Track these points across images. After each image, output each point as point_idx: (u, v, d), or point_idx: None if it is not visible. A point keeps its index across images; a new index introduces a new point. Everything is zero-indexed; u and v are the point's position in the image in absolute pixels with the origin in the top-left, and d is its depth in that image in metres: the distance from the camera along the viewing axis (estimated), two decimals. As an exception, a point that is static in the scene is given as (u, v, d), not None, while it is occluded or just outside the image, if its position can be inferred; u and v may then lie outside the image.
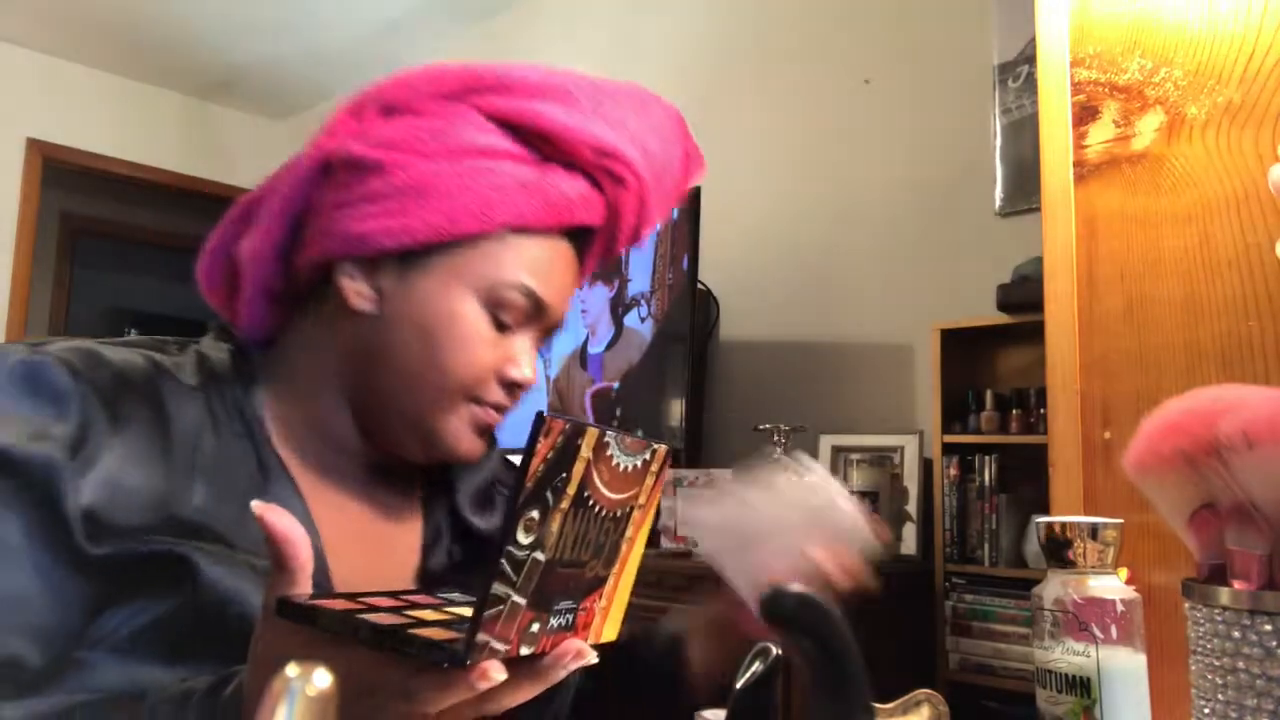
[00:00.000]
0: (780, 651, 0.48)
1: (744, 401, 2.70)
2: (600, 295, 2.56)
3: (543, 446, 0.37)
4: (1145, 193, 0.97)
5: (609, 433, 0.41)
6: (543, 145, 0.68)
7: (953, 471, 2.15)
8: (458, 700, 0.40)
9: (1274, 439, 0.49)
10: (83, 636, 0.57)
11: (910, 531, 2.30)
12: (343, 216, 0.66)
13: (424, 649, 0.39)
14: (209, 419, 0.65)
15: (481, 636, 0.38)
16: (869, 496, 2.24)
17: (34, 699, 0.52)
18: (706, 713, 0.57)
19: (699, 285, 2.52)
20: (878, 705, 0.55)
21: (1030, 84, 2.27)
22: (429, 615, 0.44)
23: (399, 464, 0.73)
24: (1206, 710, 0.53)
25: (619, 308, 2.54)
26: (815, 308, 2.64)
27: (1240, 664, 0.51)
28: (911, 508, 2.31)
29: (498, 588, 0.38)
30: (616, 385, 2.50)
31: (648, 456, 0.44)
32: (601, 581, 0.44)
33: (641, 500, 0.45)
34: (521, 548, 0.38)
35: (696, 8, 3.13)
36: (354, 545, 0.69)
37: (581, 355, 2.60)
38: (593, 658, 0.43)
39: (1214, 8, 0.94)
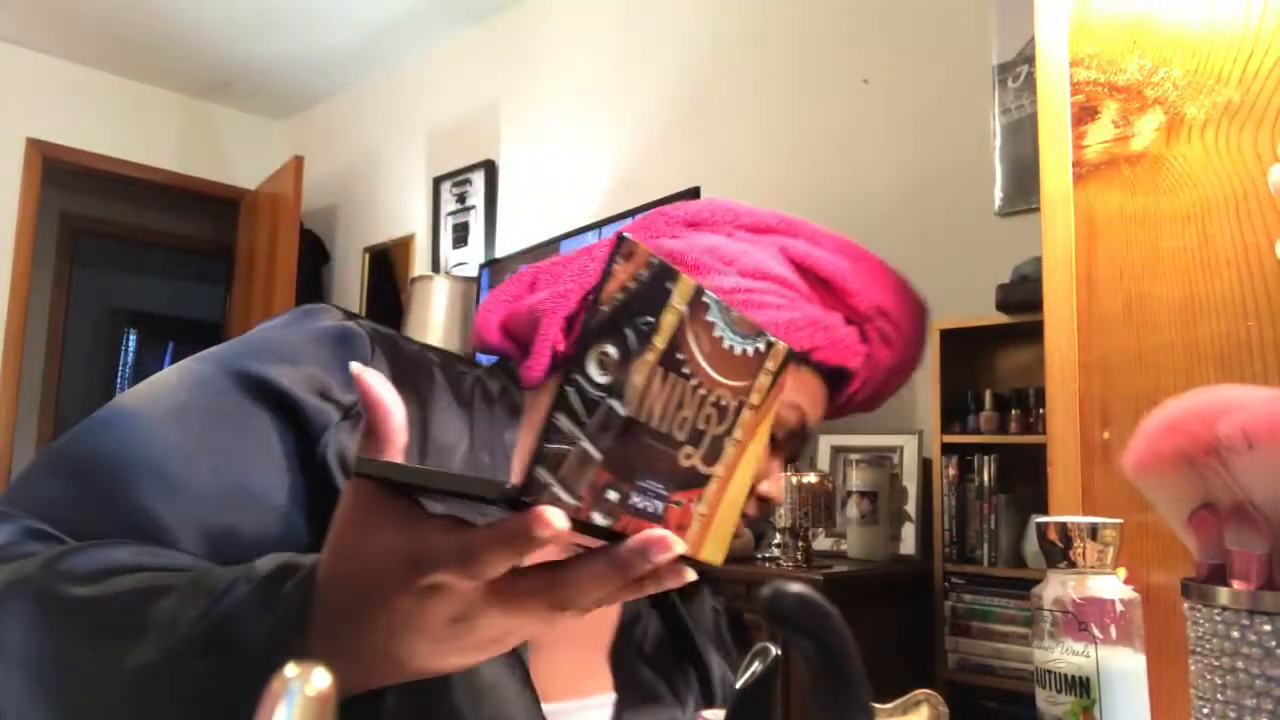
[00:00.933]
0: (780, 652, 0.48)
1: (743, 401, 2.70)
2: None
3: (620, 270, 0.34)
4: (1144, 193, 0.97)
5: (710, 293, 0.37)
6: (827, 293, 0.76)
7: (952, 471, 2.15)
8: (519, 556, 0.36)
9: (1273, 439, 0.49)
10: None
11: (909, 531, 2.30)
12: None
13: (472, 484, 0.35)
14: (468, 437, 0.66)
15: (542, 474, 0.33)
16: (868, 496, 2.24)
17: (101, 549, 0.49)
18: (706, 713, 0.57)
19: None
20: (877, 705, 0.55)
21: (1029, 84, 2.27)
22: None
23: None
24: (1206, 710, 0.53)
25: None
26: (815, 308, 2.64)
27: (1240, 664, 0.51)
28: (911, 508, 2.31)
29: (561, 420, 0.34)
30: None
31: (761, 346, 0.40)
32: (701, 480, 0.39)
33: (754, 400, 0.40)
34: (594, 385, 0.34)
35: (696, 8, 3.13)
36: None
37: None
38: (689, 573, 0.38)
39: (1213, 8, 0.94)
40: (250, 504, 0.56)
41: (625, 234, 0.34)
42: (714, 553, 0.41)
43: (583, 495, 0.35)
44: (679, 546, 0.36)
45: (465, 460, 0.65)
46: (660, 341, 0.36)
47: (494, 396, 0.70)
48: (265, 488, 0.57)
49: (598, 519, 0.35)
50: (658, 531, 0.36)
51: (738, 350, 0.39)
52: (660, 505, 0.38)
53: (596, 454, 0.35)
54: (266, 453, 0.58)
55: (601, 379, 0.34)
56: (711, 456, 0.39)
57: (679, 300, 0.36)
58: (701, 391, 0.38)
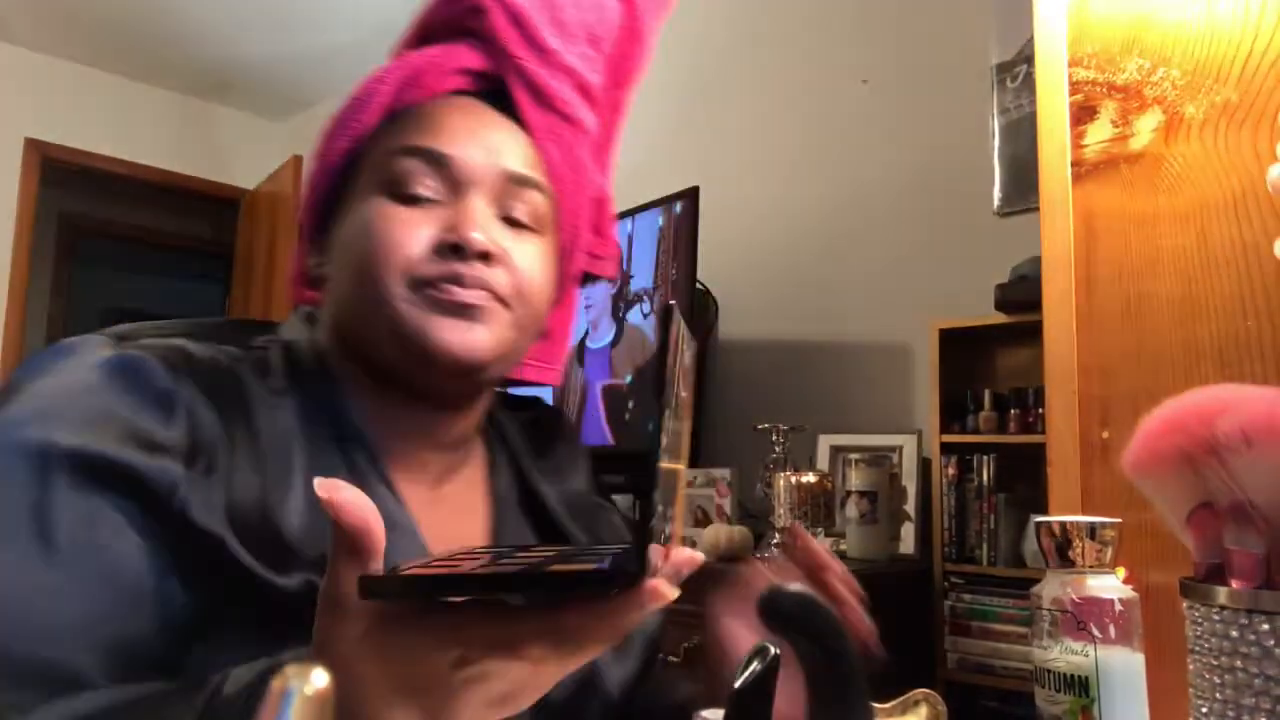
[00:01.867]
0: (779, 651, 0.48)
1: (743, 401, 2.70)
2: (603, 292, 2.56)
3: (673, 338, 0.35)
4: (1143, 192, 0.97)
5: (678, 313, 0.38)
6: (414, 51, 0.71)
7: (951, 471, 2.15)
8: (625, 631, 0.35)
9: (1272, 438, 0.49)
10: (175, 666, 0.52)
11: (909, 531, 2.30)
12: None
13: (591, 581, 0.34)
14: (301, 423, 0.62)
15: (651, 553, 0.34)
16: (867, 496, 2.24)
17: (65, 700, 0.46)
18: (705, 713, 0.57)
19: (698, 285, 2.53)
20: (876, 705, 0.55)
21: (1029, 84, 2.27)
22: (536, 556, 0.38)
23: (469, 447, 0.72)
24: (1204, 709, 0.53)
25: (620, 305, 2.54)
26: (814, 307, 2.64)
27: (1238, 663, 0.51)
28: (910, 507, 2.31)
29: (656, 497, 0.34)
30: (629, 380, 2.48)
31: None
32: (677, 478, 0.41)
33: (683, 385, 0.42)
34: (662, 450, 0.35)
35: (696, 8, 3.13)
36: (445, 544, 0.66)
37: (579, 352, 2.59)
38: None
39: (1212, 7, 0.94)
40: (130, 604, 0.51)
41: (671, 303, 0.35)
42: (680, 527, 0.43)
43: (662, 552, 0.36)
44: (699, 555, 0.38)
45: (308, 454, 0.60)
46: (678, 382, 0.37)
47: (306, 362, 0.65)
48: (134, 581, 0.51)
49: (659, 565, 0.36)
50: (685, 552, 0.38)
51: (688, 357, 0.41)
52: (668, 524, 0.39)
53: (664, 510, 0.36)
54: (118, 539, 0.51)
55: (665, 442, 0.35)
56: (678, 452, 0.41)
57: (677, 337, 0.38)
58: (679, 408, 0.39)
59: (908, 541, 2.29)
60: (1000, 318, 2.09)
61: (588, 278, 0.79)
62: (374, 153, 0.67)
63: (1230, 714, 0.51)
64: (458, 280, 0.62)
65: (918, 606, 2.16)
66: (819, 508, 2.12)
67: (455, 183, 0.65)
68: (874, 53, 2.64)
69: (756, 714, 0.47)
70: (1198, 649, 0.54)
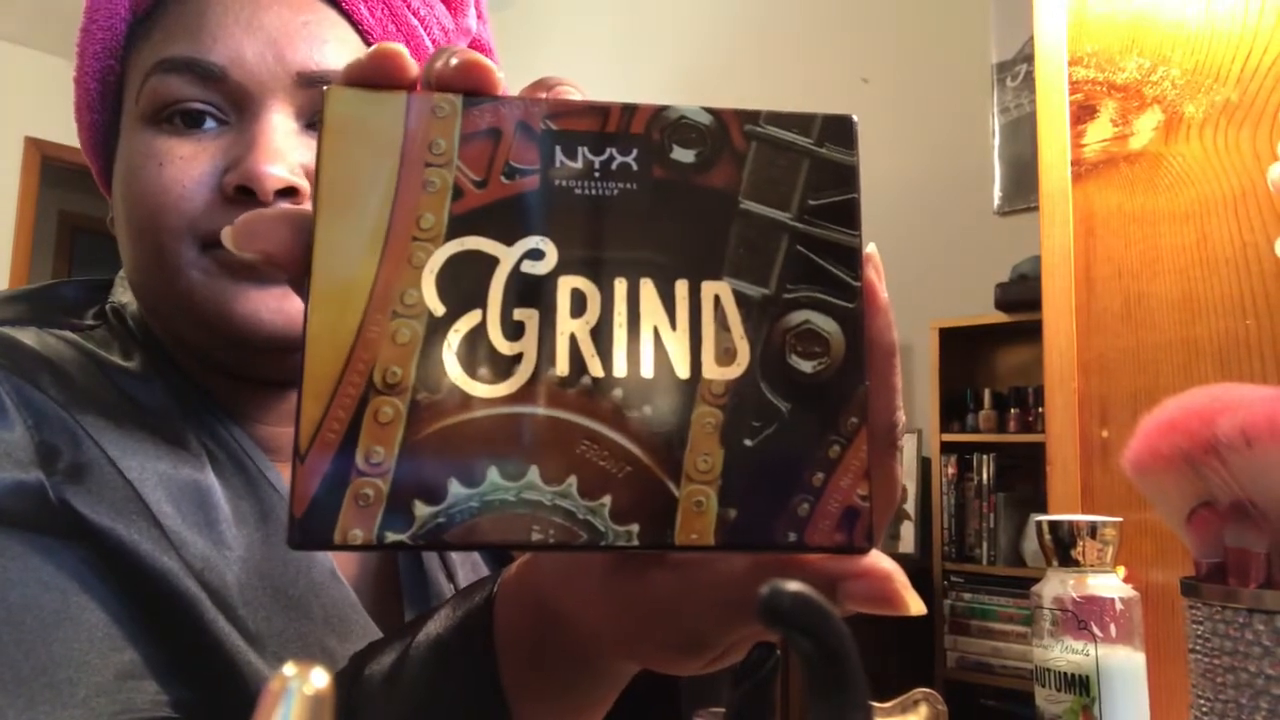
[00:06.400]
0: (780, 651, 0.48)
1: (742, 400, 2.71)
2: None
3: None
4: (1143, 192, 0.97)
5: None
6: None
7: (951, 470, 2.15)
8: None
9: (1273, 438, 0.49)
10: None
11: (908, 530, 2.30)
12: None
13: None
14: (152, 408, 0.49)
15: None
16: (867, 495, 2.24)
17: None
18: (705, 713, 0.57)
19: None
20: (875, 704, 0.55)
21: (1028, 83, 2.27)
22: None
23: None
24: (1205, 708, 0.53)
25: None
26: (814, 307, 2.65)
27: (1239, 662, 0.51)
28: (910, 506, 2.31)
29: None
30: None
31: None
32: None
33: None
34: None
35: (696, 6, 3.13)
36: None
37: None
38: None
39: (1212, 7, 0.94)
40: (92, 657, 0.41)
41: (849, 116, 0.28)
42: None
43: None
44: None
45: (163, 446, 0.47)
46: None
47: (138, 334, 0.53)
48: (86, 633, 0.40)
49: None
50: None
51: None
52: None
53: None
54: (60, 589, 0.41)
55: None
56: None
57: None
58: None
59: (907, 540, 2.30)
60: (1000, 317, 2.09)
61: None
62: (131, 70, 0.51)
63: (1231, 713, 0.51)
64: None
65: (917, 606, 2.16)
66: (819, 507, 2.12)
67: (236, 98, 0.49)
68: (874, 52, 2.64)
69: (757, 714, 0.47)
70: (1198, 648, 0.54)
